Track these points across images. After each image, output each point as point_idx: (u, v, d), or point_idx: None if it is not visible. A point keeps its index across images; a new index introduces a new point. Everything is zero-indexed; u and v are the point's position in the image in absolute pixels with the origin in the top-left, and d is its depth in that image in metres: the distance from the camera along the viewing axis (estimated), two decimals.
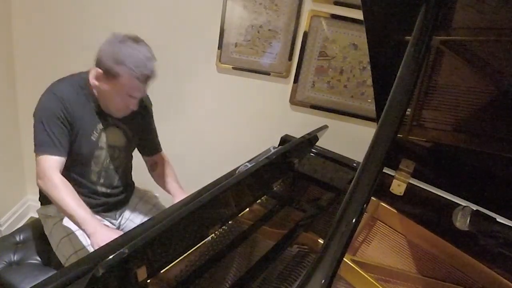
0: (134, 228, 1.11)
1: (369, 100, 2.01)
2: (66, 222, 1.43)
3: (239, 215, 1.21)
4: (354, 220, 0.74)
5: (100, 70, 1.31)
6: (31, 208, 2.48)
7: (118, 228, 1.58)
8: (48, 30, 2.09)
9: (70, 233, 1.41)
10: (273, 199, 1.33)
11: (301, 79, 2.03)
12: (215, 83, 2.11)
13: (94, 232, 1.20)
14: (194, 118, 2.22)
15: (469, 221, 1.05)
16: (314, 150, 1.61)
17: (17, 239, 1.55)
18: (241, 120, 2.19)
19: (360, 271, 1.04)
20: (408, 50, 0.93)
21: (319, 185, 1.45)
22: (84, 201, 1.29)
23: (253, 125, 2.18)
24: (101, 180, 1.48)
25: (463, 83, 1.05)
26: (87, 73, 1.39)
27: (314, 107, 2.07)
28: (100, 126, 1.40)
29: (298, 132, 1.43)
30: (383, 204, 1.31)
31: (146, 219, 1.59)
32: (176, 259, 0.98)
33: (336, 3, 1.86)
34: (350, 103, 2.04)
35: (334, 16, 1.89)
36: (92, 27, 2.05)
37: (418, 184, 1.31)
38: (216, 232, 1.11)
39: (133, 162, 1.64)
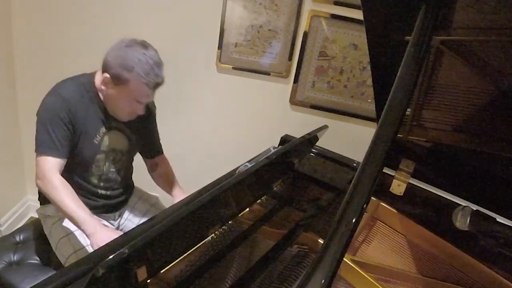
0: (134, 228, 1.11)
1: (369, 100, 2.01)
2: (65, 222, 1.42)
3: (239, 215, 1.21)
4: (354, 220, 0.74)
5: (107, 76, 1.28)
6: (31, 208, 2.47)
7: (117, 228, 1.58)
8: (48, 30, 2.09)
9: (69, 233, 1.40)
10: (273, 199, 1.33)
11: (301, 79, 2.03)
12: (215, 83, 2.11)
13: (94, 232, 1.19)
14: (194, 118, 2.22)
15: (469, 221, 1.05)
16: (314, 150, 1.61)
17: (17, 239, 1.55)
18: (241, 120, 2.19)
19: (360, 271, 1.04)
20: (408, 50, 0.93)
21: (319, 185, 1.45)
22: (84, 202, 1.29)
23: (253, 125, 2.18)
24: (102, 183, 1.47)
25: (463, 83, 1.05)
26: (92, 75, 1.38)
27: (314, 107, 2.07)
28: (103, 129, 1.39)
29: (298, 132, 1.43)
30: (383, 204, 1.31)
31: (145, 218, 1.59)
32: (176, 259, 0.98)
33: (336, 3, 1.87)
34: (350, 103, 2.04)
35: (334, 16, 1.89)
36: (92, 27, 2.05)
37: (418, 184, 1.31)
38: (216, 232, 1.11)
39: (134, 163, 1.64)
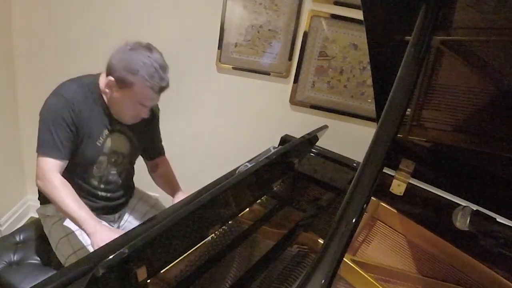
0: (134, 228, 1.11)
1: (369, 100, 2.01)
2: (65, 222, 1.42)
3: (239, 215, 1.21)
4: (354, 220, 0.74)
5: (112, 79, 1.28)
6: (31, 208, 2.47)
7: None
8: (48, 30, 2.09)
9: (69, 233, 1.40)
10: (273, 199, 1.33)
11: (301, 79, 2.03)
12: (215, 83, 2.11)
13: (94, 231, 1.19)
14: (194, 118, 2.22)
15: (469, 221, 1.05)
16: (314, 150, 1.61)
17: (17, 239, 1.55)
18: (241, 120, 2.19)
19: (360, 271, 1.04)
20: (408, 50, 0.93)
21: (319, 185, 1.45)
22: (84, 203, 1.29)
23: (253, 125, 2.18)
24: (102, 185, 1.46)
25: (463, 83, 1.05)
26: (97, 76, 1.37)
27: (314, 107, 2.08)
28: (106, 131, 1.38)
29: (298, 132, 1.43)
30: (383, 204, 1.31)
31: (145, 219, 1.59)
32: (176, 259, 0.98)
33: (336, 3, 1.87)
34: (350, 103, 2.04)
35: (334, 16, 1.89)
36: (92, 27, 2.05)
37: (418, 184, 1.31)
38: (216, 232, 1.11)
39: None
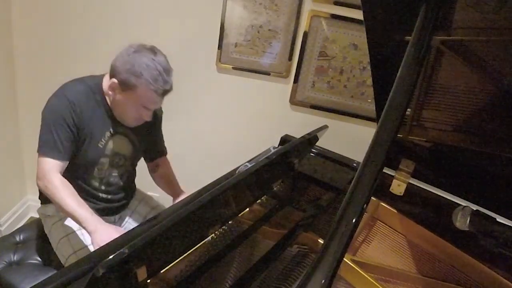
0: (134, 228, 1.11)
1: (369, 100, 2.01)
2: (66, 222, 1.42)
3: (239, 215, 1.21)
4: (354, 220, 0.74)
5: (115, 81, 1.27)
6: (31, 208, 2.48)
7: None
8: (48, 30, 2.09)
9: (69, 233, 1.40)
10: (273, 199, 1.33)
11: (301, 79, 2.03)
12: (215, 83, 2.11)
13: (95, 230, 1.19)
14: (194, 118, 2.22)
15: (469, 221, 1.05)
16: (314, 150, 1.61)
17: (17, 239, 1.55)
18: (241, 120, 2.19)
19: (360, 271, 1.04)
20: (408, 50, 0.93)
21: (319, 185, 1.45)
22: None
23: (253, 125, 2.18)
24: (103, 187, 1.46)
25: (463, 83, 1.05)
26: (100, 78, 1.37)
27: (314, 107, 2.08)
28: (108, 133, 1.38)
29: (298, 132, 1.43)
30: (383, 204, 1.31)
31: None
32: (176, 259, 0.98)
33: (336, 3, 1.87)
34: (350, 103, 2.04)
35: (334, 16, 1.89)
36: (92, 27, 2.05)
37: (418, 184, 1.31)
38: (216, 232, 1.11)
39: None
